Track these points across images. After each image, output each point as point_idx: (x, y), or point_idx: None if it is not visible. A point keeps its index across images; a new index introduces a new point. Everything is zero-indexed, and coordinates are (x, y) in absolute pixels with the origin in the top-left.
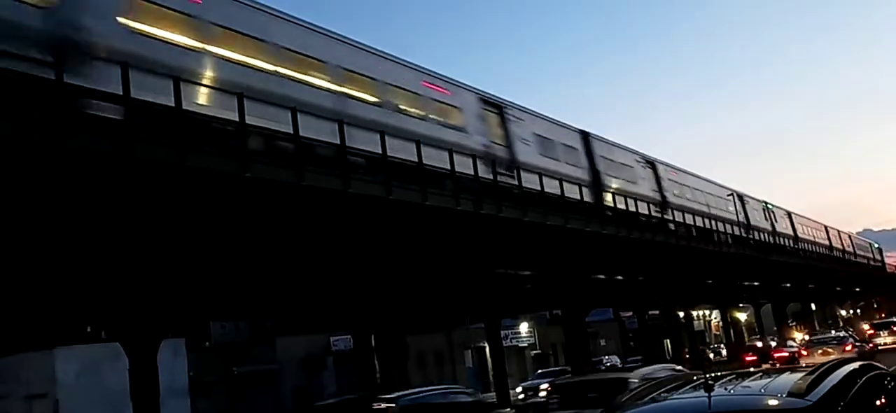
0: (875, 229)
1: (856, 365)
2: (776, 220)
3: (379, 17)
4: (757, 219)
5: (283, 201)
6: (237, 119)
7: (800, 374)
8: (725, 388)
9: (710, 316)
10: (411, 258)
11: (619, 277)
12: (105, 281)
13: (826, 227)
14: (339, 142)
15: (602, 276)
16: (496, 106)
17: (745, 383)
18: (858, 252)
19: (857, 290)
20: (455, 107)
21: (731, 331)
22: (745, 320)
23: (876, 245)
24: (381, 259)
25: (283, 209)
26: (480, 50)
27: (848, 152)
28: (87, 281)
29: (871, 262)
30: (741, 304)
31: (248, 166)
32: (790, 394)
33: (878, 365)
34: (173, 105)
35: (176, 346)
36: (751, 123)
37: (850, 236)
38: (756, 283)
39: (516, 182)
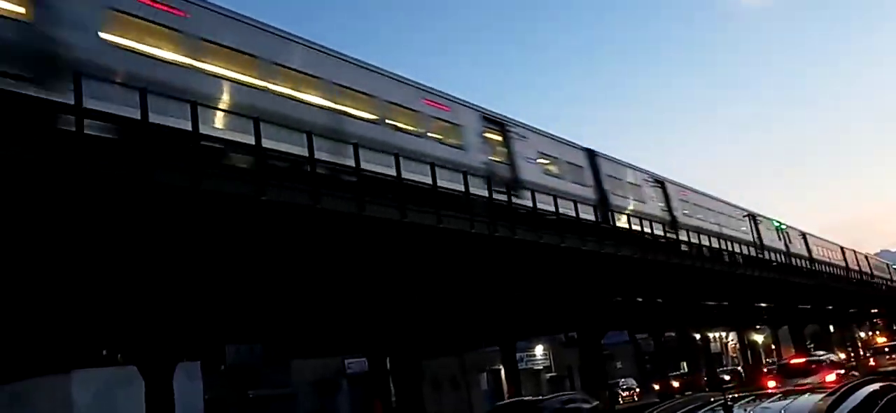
0: (893, 249)
1: (877, 386)
2: (790, 241)
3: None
4: (771, 239)
5: (297, 224)
6: (253, 142)
7: (820, 396)
8: (745, 410)
9: (726, 338)
10: (426, 281)
11: (635, 299)
12: (121, 304)
13: (842, 248)
14: (354, 164)
15: (618, 298)
16: (498, 123)
17: (765, 405)
18: (876, 273)
19: (874, 311)
20: (459, 124)
21: (749, 353)
22: (763, 342)
23: (894, 266)
24: (395, 281)
25: (297, 232)
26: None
27: (864, 172)
28: (104, 304)
29: (889, 284)
30: (758, 326)
31: (264, 189)
32: None
33: None
34: (190, 129)
35: (191, 370)
36: (766, 142)
37: (867, 257)
38: (773, 305)
39: (531, 204)
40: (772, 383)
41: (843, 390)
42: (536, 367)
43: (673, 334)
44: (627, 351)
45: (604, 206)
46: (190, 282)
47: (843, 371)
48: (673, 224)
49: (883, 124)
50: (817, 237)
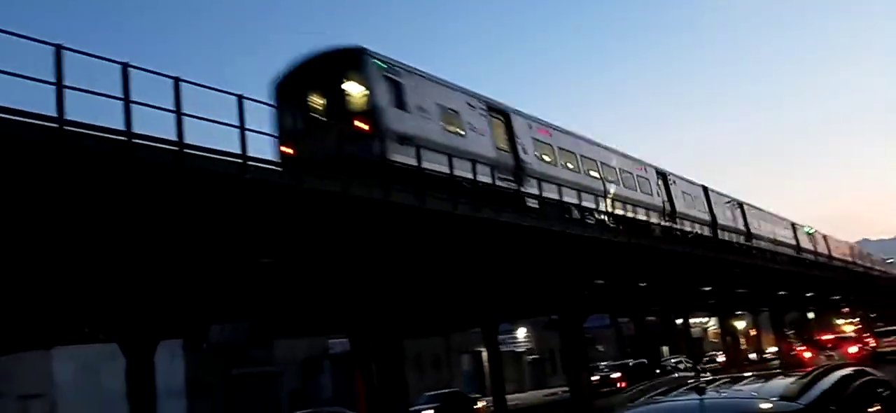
0: (872, 238)
1: (849, 370)
2: (748, 219)
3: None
4: (756, 226)
5: (281, 204)
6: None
7: (792, 378)
8: (718, 392)
9: (707, 323)
10: (409, 261)
11: (618, 283)
12: (103, 282)
13: (824, 237)
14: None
15: (600, 282)
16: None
17: (738, 387)
18: (856, 261)
19: (851, 298)
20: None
21: (728, 338)
22: (743, 328)
23: (872, 253)
24: (379, 262)
25: (281, 212)
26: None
27: (845, 164)
28: (86, 281)
29: (871, 272)
30: (739, 312)
31: (247, 168)
32: (782, 397)
33: (872, 371)
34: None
35: (173, 348)
36: (751, 133)
37: (852, 247)
38: (753, 291)
39: (516, 186)
40: (807, 354)
41: (814, 373)
42: (518, 350)
43: (654, 319)
44: (609, 334)
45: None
46: (173, 260)
47: (860, 345)
48: (662, 212)
49: (863, 121)
50: (799, 225)
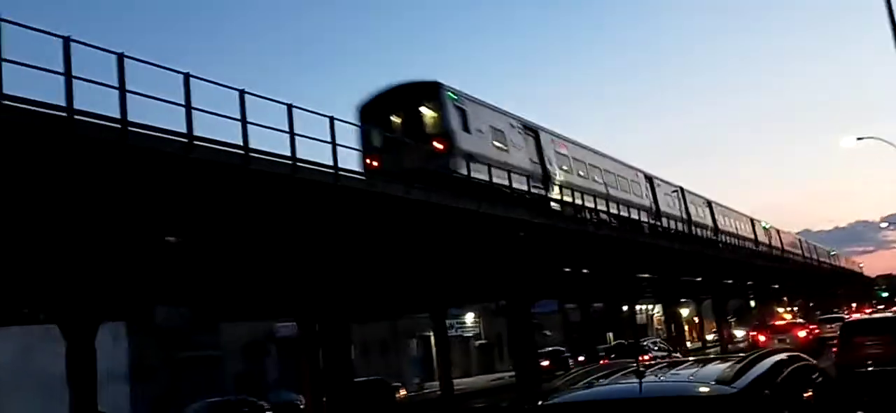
0: (813, 230)
1: (784, 356)
2: (716, 216)
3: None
4: (699, 215)
5: (230, 185)
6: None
7: (728, 364)
8: (656, 376)
9: (652, 310)
10: (360, 246)
11: (565, 269)
12: (43, 261)
13: (777, 231)
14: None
15: (548, 268)
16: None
17: (675, 371)
18: (795, 251)
19: (778, 286)
20: None
21: (673, 326)
22: (687, 315)
23: (816, 245)
24: (329, 246)
25: (229, 193)
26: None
27: (787, 157)
28: (25, 261)
29: (811, 262)
30: (683, 299)
31: (193, 147)
32: (718, 381)
33: (806, 357)
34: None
35: (116, 330)
36: (694, 126)
37: (801, 240)
38: (698, 279)
39: (466, 173)
40: (762, 338)
41: (750, 358)
42: (466, 335)
43: (601, 305)
44: (556, 320)
45: (546, 179)
46: (116, 239)
47: (808, 329)
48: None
49: (803, 115)
50: (744, 214)
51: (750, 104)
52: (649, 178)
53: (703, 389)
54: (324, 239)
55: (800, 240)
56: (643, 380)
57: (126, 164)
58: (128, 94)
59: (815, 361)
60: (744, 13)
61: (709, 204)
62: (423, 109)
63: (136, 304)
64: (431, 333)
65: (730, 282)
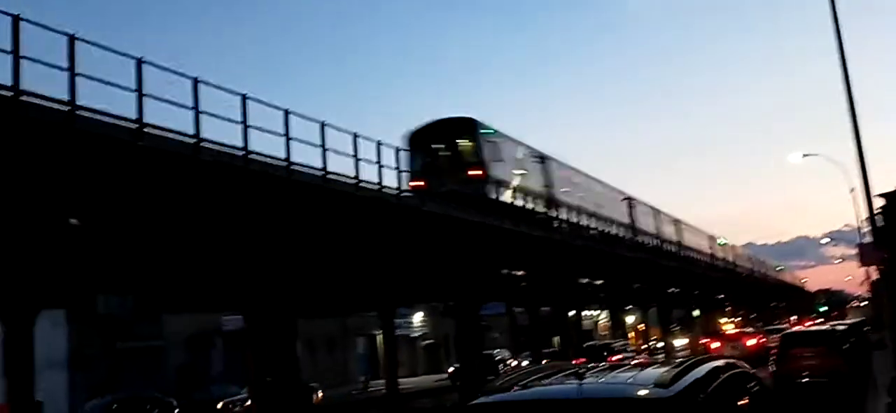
0: (758, 242)
1: (720, 362)
2: (661, 225)
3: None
4: (645, 224)
5: (181, 175)
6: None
7: (667, 368)
8: (596, 378)
9: (599, 316)
10: (310, 242)
11: (514, 272)
12: None
13: (732, 247)
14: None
15: (497, 270)
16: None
17: (615, 374)
18: (746, 265)
19: (723, 295)
20: None
21: (618, 332)
22: (632, 322)
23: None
24: (279, 240)
25: (180, 183)
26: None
27: (733, 171)
28: None
29: (759, 276)
30: (629, 306)
31: (142, 135)
32: (655, 385)
33: (744, 365)
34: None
35: (56, 318)
36: (642, 137)
37: (750, 256)
38: (644, 286)
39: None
40: (715, 345)
41: (688, 364)
42: (413, 335)
43: (548, 309)
44: (504, 323)
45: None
46: (56, 225)
47: (757, 338)
48: (556, 202)
49: (750, 132)
50: (688, 225)
51: (699, 117)
52: (627, 199)
53: (642, 392)
54: (274, 233)
55: (749, 256)
56: (582, 381)
57: (72, 147)
58: (77, 78)
59: (753, 370)
60: (696, 30)
61: (676, 222)
62: (461, 141)
63: (77, 292)
64: (379, 332)
65: (676, 290)
